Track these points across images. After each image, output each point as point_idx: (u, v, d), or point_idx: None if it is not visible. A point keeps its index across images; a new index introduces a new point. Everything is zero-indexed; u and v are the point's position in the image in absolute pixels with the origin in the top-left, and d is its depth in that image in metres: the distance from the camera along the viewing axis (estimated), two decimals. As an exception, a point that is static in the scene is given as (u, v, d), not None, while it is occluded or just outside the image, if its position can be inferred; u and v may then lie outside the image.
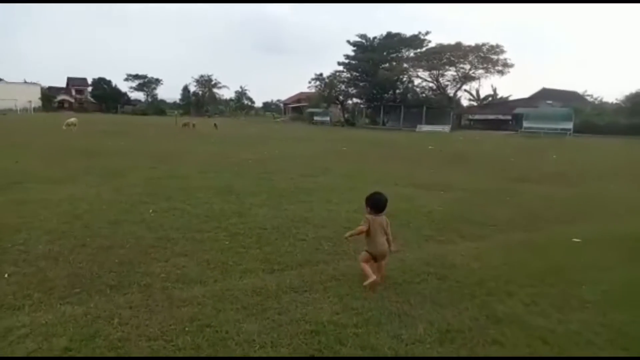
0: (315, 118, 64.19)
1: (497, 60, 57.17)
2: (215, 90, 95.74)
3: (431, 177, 11.40)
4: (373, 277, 3.75)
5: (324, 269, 4.23)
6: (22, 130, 24.88)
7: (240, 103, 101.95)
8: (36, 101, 72.19)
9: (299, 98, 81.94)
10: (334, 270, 4.21)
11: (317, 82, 66.88)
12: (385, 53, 65.17)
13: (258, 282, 3.82)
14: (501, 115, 62.64)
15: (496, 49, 56.82)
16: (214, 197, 7.51)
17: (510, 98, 67.44)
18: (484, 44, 57.15)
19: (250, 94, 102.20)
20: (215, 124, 35.47)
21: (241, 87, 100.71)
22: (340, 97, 68.76)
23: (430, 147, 24.01)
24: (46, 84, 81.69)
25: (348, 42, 66.14)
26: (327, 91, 66.19)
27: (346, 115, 68.89)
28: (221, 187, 8.54)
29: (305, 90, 72.65)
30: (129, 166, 11.08)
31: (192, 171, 10.62)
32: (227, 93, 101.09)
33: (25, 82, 77.40)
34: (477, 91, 67.91)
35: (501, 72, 58.53)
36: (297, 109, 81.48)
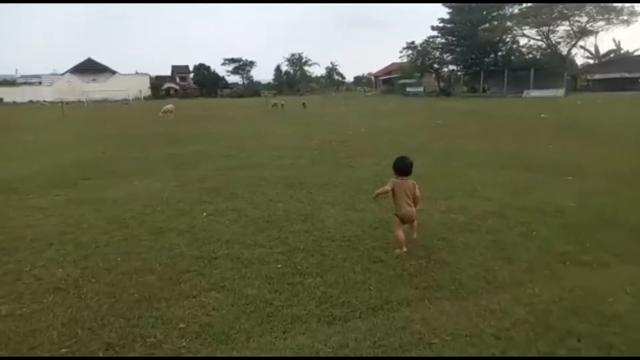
0: (408, 89, 60.74)
1: (622, 8, 48.31)
2: (306, 67, 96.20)
3: (551, 156, 9.19)
4: (403, 250, 3.95)
5: (408, 319, 2.86)
6: (126, 118, 26.53)
7: (331, 79, 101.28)
8: (146, 90, 78.63)
9: (390, 70, 78.57)
10: (423, 322, 2.82)
11: (409, 51, 63.07)
12: (485, 12, 58.98)
13: (307, 344, 2.60)
14: (627, 74, 53.59)
15: (621, -5, 47.96)
16: (283, 192, 6.45)
17: (639, 52, 57.12)
18: (605, -10, 48.55)
19: (340, 69, 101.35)
20: (303, 103, 34.82)
21: (331, 63, 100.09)
22: (435, 65, 64.23)
23: (543, 115, 20.70)
24: (154, 73, 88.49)
25: (443, 3, 61.04)
26: (420, 60, 62.16)
27: (441, 85, 64.33)
28: (294, 177, 7.47)
29: (397, 60, 69.16)
30: (206, 154, 10.55)
31: (267, 158, 9.73)
32: (317, 70, 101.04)
33: (137, 73, 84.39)
34: (596, 47, 58.62)
35: (627, 22, 49.49)
36: (388, 81, 78.30)
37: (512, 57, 58.94)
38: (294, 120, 21.82)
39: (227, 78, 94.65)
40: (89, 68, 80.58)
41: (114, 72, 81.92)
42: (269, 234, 4.57)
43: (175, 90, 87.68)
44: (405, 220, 4.05)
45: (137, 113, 33.03)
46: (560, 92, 46.90)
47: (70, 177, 7.99)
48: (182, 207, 5.71)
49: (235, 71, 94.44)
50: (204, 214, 5.37)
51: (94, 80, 77.98)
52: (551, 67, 52.10)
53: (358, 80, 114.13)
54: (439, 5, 62.05)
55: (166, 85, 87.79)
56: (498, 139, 12.23)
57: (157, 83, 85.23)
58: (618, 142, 11.25)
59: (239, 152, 10.75)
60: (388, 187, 4.06)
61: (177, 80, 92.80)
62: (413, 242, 4.11)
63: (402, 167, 4.15)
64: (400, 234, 4.01)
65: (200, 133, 16.19)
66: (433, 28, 61.64)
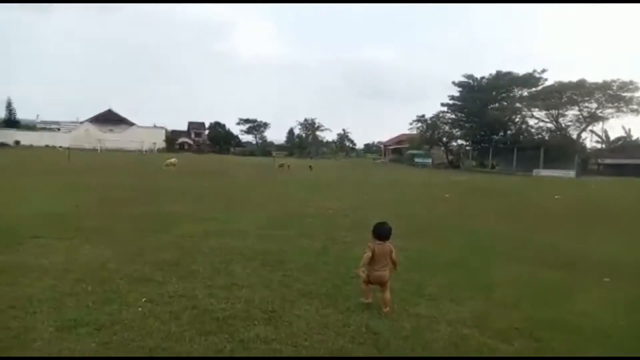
0: (416, 160, 60.55)
1: (632, 98, 48.97)
2: (318, 132, 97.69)
3: (577, 246, 7.97)
4: (368, 300, 4.29)
5: None
6: (128, 168, 25.93)
7: (342, 145, 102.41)
8: (160, 143, 79.64)
9: (400, 140, 79.27)
10: None
11: (419, 124, 63.86)
12: (494, 93, 60.28)
13: None
14: (638, 160, 53.22)
15: (629, 86, 48.76)
16: (254, 272, 5.28)
17: (649, 141, 57.18)
18: (613, 81, 49.50)
19: (352, 136, 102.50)
20: (310, 166, 34.38)
21: (343, 130, 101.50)
22: (444, 139, 64.54)
23: (557, 196, 19.61)
24: (171, 127, 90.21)
25: (453, 82, 62.68)
26: (430, 132, 62.63)
27: (450, 157, 64.20)
28: (274, 252, 6.32)
29: (406, 132, 69.99)
30: (187, 215, 9.48)
31: (253, 225, 8.61)
32: (329, 135, 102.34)
33: (155, 127, 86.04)
34: (606, 132, 58.76)
35: (636, 112, 49.97)
36: (397, 151, 78.69)
37: (521, 137, 59.06)
38: (297, 183, 20.97)
39: (241, 137, 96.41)
40: (109, 118, 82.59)
41: (132, 124, 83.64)
42: (213, 342, 3.35)
43: (189, 144, 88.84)
44: (373, 282, 4.23)
45: (143, 164, 32.63)
46: (571, 173, 46.17)
47: (21, 233, 6.91)
48: (120, 286, 4.52)
49: (249, 131, 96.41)
50: (143, 299, 4.18)
51: (110, 130, 79.55)
52: (561, 149, 51.85)
53: (368, 147, 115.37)
54: (449, 82, 62.98)
55: (181, 139, 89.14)
56: (513, 221, 11.06)
57: (172, 137, 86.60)
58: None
59: (223, 215, 9.69)
60: (369, 253, 4.17)
61: (192, 135, 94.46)
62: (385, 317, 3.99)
63: (383, 233, 4.30)
64: (365, 287, 4.29)
65: (193, 189, 15.30)
66: (443, 104, 62.76)
